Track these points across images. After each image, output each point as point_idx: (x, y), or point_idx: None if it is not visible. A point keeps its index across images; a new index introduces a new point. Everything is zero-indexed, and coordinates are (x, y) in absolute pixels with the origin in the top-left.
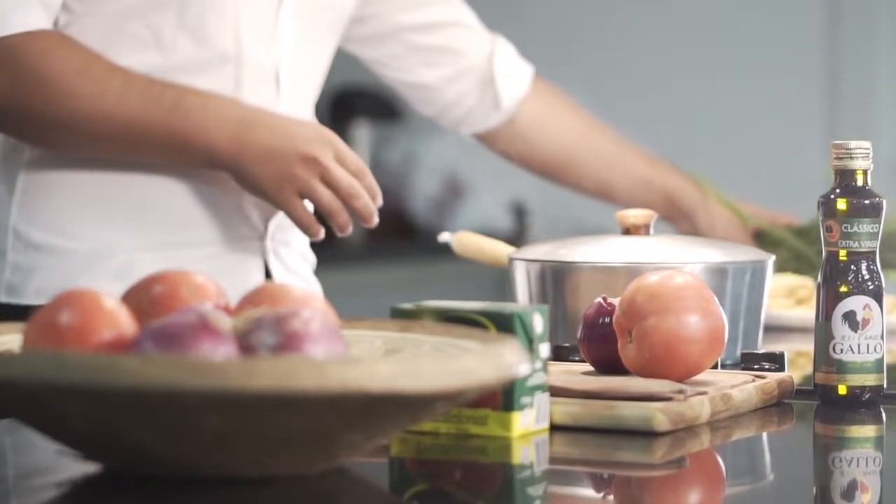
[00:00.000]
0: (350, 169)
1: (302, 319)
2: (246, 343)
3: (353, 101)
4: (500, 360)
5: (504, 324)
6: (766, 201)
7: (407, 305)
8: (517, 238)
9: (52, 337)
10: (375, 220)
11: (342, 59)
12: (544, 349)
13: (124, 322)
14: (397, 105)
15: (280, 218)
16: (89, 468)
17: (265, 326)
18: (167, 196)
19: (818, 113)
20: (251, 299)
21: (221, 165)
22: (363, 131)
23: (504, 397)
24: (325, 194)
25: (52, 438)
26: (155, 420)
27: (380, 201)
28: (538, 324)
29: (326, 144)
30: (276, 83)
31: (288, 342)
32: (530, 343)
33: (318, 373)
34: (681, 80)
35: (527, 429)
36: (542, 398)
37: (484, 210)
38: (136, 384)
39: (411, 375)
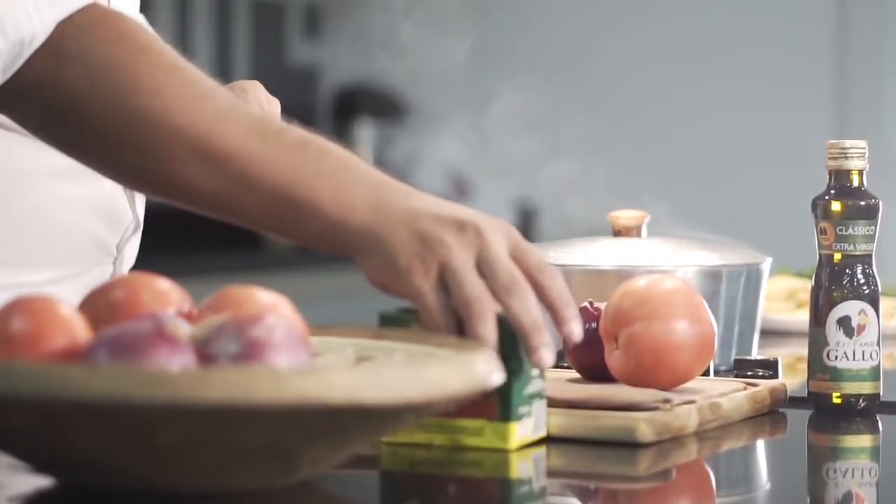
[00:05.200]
0: (529, 265)
1: (265, 327)
2: (205, 352)
3: (356, 100)
4: (471, 369)
5: (499, 330)
6: (771, 203)
7: (394, 311)
8: (523, 237)
9: (1, 345)
10: (548, 362)
11: (344, 58)
12: None
13: (78, 329)
14: (401, 103)
15: (135, 242)
16: (42, 482)
17: (226, 334)
18: (8, 232)
19: (826, 115)
20: (214, 304)
21: (343, 240)
22: (366, 130)
23: (500, 407)
24: (474, 282)
25: (1, 451)
26: (106, 432)
27: (574, 331)
28: None
29: (500, 229)
30: None
31: (249, 351)
32: (519, 349)
33: (274, 384)
34: (685, 82)
35: (524, 439)
36: (540, 406)
37: (489, 209)
38: (85, 395)
39: (375, 386)
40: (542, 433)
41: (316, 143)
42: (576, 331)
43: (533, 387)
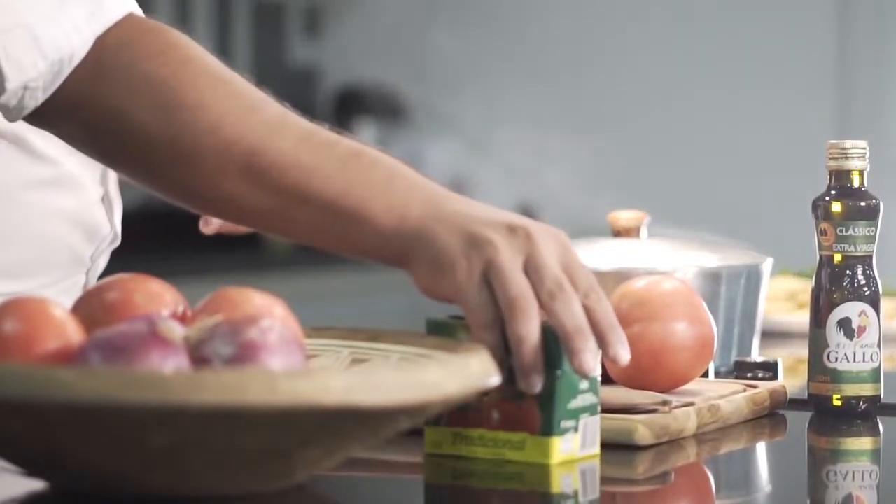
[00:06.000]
0: (578, 283)
1: (259, 329)
2: (199, 354)
3: (358, 100)
4: (466, 371)
5: (544, 339)
6: (773, 203)
7: (440, 318)
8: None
9: None
10: (590, 367)
11: (346, 57)
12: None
13: (71, 331)
14: (402, 104)
15: (108, 251)
16: (33, 485)
17: (219, 336)
18: None
19: (827, 115)
20: (208, 306)
21: (394, 248)
22: (367, 130)
23: (542, 420)
24: (519, 281)
25: None
26: (97, 435)
27: (621, 355)
28: None
29: (553, 237)
30: None
31: (244, 353)
32: (565, 361)
33: (267, 386)
34: (686, 83)
35: (569, 456)
36: (590, 422)
37: None
38: (74, 398)
39: (369, 388)
40: (593, 451)
41: (367, 153)
42: (622, 355)
43: (581, 401)
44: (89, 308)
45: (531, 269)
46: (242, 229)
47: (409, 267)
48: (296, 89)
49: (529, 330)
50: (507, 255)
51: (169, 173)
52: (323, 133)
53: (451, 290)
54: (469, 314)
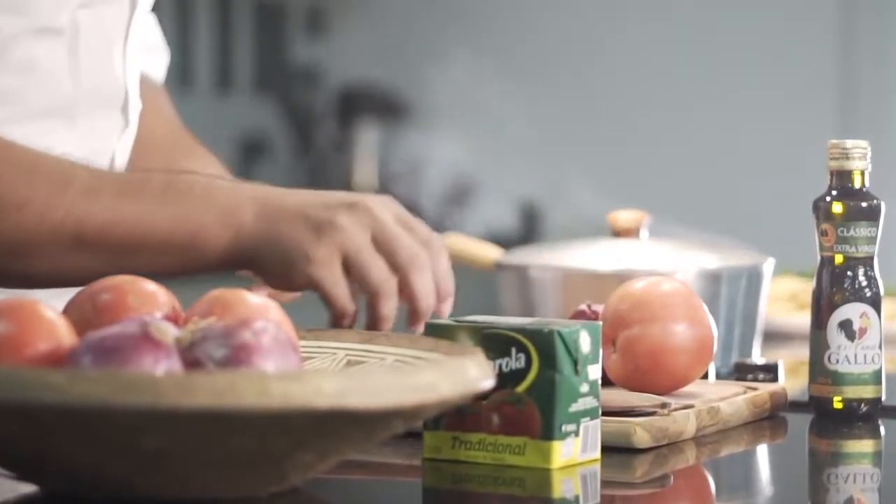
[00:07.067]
0: (420, 237)
1: (253, 331)
2: (191, 356)
3: (360, 101)
4: (462, 374)
5: (543, 343)
6: (776, 203)
7: (442, 321)
8: (527, 239)
9: None
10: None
11: (348, 57)
12: (594, 371)
13: (63, 333)
14: (404, 104)
15: None
16: (24, 488)
17: (212, 338)
18: None
19: (829, 115)
20: (202, 308)
21: (241, 255)
22: (370, 131)
23: (542, 424)
24: (379, 266)
25: None
26: (88, 439)
27: (443, 306)
28: (585, 343)
29: (386, 205)
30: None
31: (237, 356)
32: (575, 364)
33: (260, 389)
34: (688, 83)
35: (570, 460)
36: (592, 426)
37: (493, 210)
38: (64, 401)
39: (363, 391)
40: (594, 455)
41: (180, 179)
42: (444, 310)
43: (581, 404)
44: (81, 310)
45: (382, 243)
46: (288, 298)
47: (257, 268)
48: (297, 89)
49: (391, 309)
50: (357, 237)
51: (6, 274)
52: (134, 178)
53: (305, 281)
54: (331, 297)
